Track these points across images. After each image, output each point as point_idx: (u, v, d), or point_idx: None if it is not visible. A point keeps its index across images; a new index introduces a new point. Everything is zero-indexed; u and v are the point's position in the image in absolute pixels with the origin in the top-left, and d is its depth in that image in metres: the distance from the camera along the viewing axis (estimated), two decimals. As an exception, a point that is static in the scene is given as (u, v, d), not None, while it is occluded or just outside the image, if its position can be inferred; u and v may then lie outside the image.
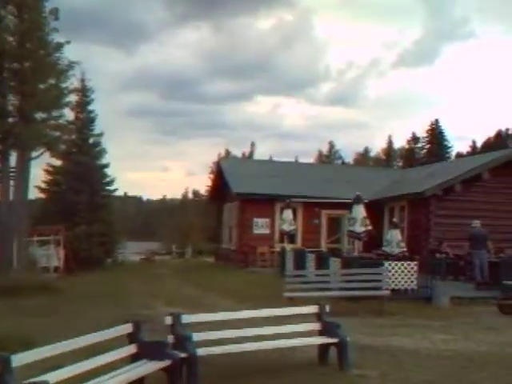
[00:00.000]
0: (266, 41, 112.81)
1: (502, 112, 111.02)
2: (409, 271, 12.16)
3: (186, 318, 5.81)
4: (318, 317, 6.59)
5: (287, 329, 6.67)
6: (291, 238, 19.14)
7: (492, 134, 78.26)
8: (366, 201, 18.55)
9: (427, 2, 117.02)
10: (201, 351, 5.59)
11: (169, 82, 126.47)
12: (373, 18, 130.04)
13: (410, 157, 78.28)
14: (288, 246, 17.65)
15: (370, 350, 7.46)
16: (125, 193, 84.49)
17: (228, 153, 67.60)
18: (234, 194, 21.60)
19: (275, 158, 56.09)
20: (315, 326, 6.58)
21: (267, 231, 21.12)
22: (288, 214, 18.25)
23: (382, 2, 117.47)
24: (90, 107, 27.75)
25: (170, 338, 5.48)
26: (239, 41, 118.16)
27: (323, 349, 6.46)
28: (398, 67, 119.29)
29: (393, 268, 12.07)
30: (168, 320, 5.62)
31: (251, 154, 76.03)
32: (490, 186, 18.39)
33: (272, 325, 6.71)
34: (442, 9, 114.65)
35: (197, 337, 5.69)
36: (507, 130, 73.26)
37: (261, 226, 21.09)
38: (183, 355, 5.30)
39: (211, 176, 39.60)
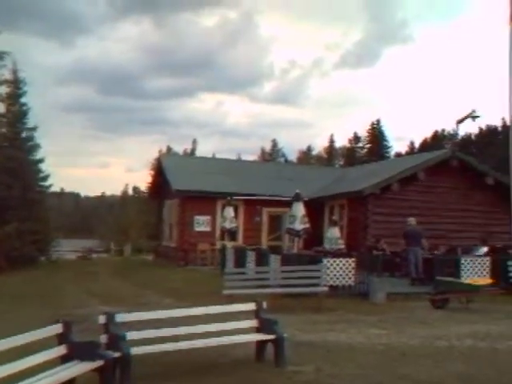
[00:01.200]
0: (210, 38, 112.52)
1: (439, 114, 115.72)
2: (346, 268, 12.46)
3: (121, 317, 5.71)
4: (256, 314, 6.63)
5: (224, 326, 6.65)
6: (232, 235, 19.19)
7: (429, 134, 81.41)
8: (306, 199, 18.92)
9: (369, 5, 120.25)
10: (135, 350, 5.51)
11: (108, 76, 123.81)
12: (316, 19, 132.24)
13: (351, 156, 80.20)
14: (229, 244, 17.67)
15: (307, 345, 7.59)
16: (61, 189, 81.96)
17: (169, 149, 66.87)
18: (174, 191, 21.40)
19: (218, 156, 56.09)
20: (252, 323, 6.62)
21: (208, 229, 21.05)
22: (229, 211, 18.28)
23: (326, 4, 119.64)
24: (23, 100, 26.66)
25: (103, 338, 5.37)
26: (182, 37, 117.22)
27: (260, 345, 6.52)
28: (340, 68, 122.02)
29: (331, 265, 12.33)
30: (101, 319, 5.50)
31: (193, 151, 75.55)
32: (425, 185, 19.08)
33: (209, 322, 6.70)
34: (383, 12, 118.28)
35: (131, 336, 5.60)
36: (443, 130, 76.34)
37: (202, 223, 21.00)
38: (116, 355, 5.20)
39: (151, 173, 38.98)
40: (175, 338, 6.15)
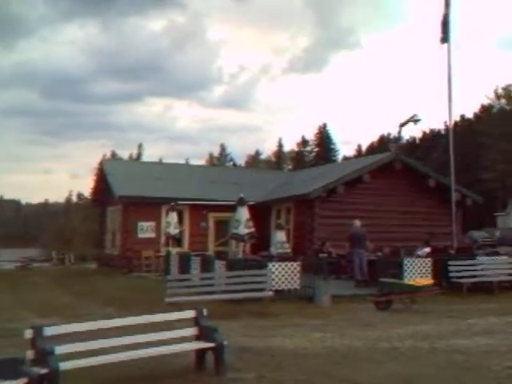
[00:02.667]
0: (157, 42, 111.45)
1: (385, 118, 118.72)
2: (292, 272, 12.48)
3: (51, 330, 5.43)
4: (196, 321, 6.49)
5: (163, 335, 6.47)
6: (177, 241, 18.93)
7: (375, 138, 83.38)
8: (252, 203, 18.92)
9: (316, 11, 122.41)
10: (64, 365, 5.23)
11: (52, 80, 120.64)
12: (264, 24, 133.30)
13: (299, 159, 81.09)
14: (174, 250, 17.40)
15: (250, 352, 7.50)
16: (0, 196, 78.85)
17: (114, 155, 65.61)
18: (117, 197, 20.92)
19: (166, 161, 55.42)
20: (192, 331, 6.47)
21: (153, 235, 20.69)
22: (173, 216, 18.02)
23: (274, 9, 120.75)
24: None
25: (30, 354, 5.08)
26: (129, 41, 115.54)
27: (200, 354, 6.37)
28: (288, 73, 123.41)
29: (276, 269, 12.32)
30: (28, 333, 5.21)
31: (139, 155, 74.44)
32: (370, 188, 19.45)
33: (149, 332, 6.49)
34: (330, 19, 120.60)
35: (60, 350, 5.33)
36: (389, 134, 78.29)
37: (146, 229, 20.61)
38: (43, 371, 4.93)
39: (94, 179, 38.03)
40: (110, 350, 5.91)
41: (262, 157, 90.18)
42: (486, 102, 70.79)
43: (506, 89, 67.19)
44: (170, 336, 6.43)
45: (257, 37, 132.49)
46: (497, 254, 16.91)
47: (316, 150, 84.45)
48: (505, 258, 15.52)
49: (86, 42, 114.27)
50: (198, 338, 6.40)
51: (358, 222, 15.12)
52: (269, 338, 8.55)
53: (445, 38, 17.03)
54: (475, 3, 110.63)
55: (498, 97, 67.80)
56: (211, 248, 20.99)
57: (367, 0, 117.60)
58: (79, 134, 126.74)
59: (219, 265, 13.26)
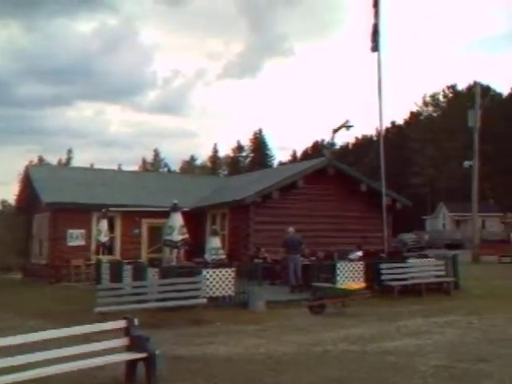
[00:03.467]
0: (88, 44, 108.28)
1: (319, 124, 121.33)
2: (226, 278, 12.49)
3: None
4: (126, 331, 6.36)
5: (92, 347, 6.30)
6: (109, 249, 18.49)
7: (310, 144, 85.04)
8: (187, 209, 18.79)
9: (250, 17, 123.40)
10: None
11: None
12: (198, 28, 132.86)
13: (234, 165, 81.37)
14: (105, 258, 16.98)
15: (184, 360, 7.45)
16: None
17: (41, 160, 63.27)
18: (44, 204, 20.18)
19: (97, 166, 54.00)
20: (122, 341, 6.34)
21: (83, 243, 20.10)
22: (104, 224, 17.60)
23: (208, 14, 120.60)
24: None
25: None
26: (56, 42, 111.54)
27: (131, 365, 6.25)
28: (223, 78, 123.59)
29: (211, 276, 12.29)
30: None
31: (68, 161, 72.27)
32: (304, 193, 19.78)
33: (77, 344, 6.30)
34: (264, 25, 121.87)
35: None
36: (323, 140, 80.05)
37: (75, 237, 19.99)
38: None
39: (19, 185, 36.44)
40: (35, 365, 5.68)
41: (197, 162, 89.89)
42: (415, 108, 73.95)
43: (433, 96, 70.47)
44: (100, 347, 6.27)
45: (191, 41, 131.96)
46: (425, 256, 17.62)
47: (251, 155, 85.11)
48: (432, 260, 16.21)
49: (8, 43, 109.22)
50: (128, 348, 6.28)
51: (291, 230, 15.32)
52: (203, 346, 8.52)
53: (375, 47, 17.68)
54: (407, 13, 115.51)
55: (425, 104, 70.96)
56: (144, 255, 20.64)
57: (301, 8, 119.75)
58: (3, 139, 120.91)
59: (152, 272, 13.06)
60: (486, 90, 58.58)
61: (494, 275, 20.83)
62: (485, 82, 60.78)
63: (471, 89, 45.01)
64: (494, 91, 66.64)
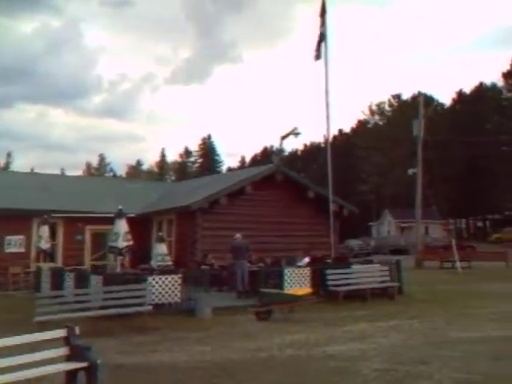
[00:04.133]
0: (29, 45, 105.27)
1: (268, 130, 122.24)
2: (173, 285, 12.37)
3: None
4: (67, 340, 6.21)
5: (31, 357, 6.09)
6: (50, 256, 17.95)
7: (259, 150, 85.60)
8: (133, 215, 18.53)
9: (198, 23, 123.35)
10: None
11: None
12: (146, 33, 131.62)
13: (182, 170, 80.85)
14: (46, 265, 16.47)
15: (127, 369, 7.34)
16: None
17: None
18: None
19: (38, 171, 52.42)
20: (62, 350, 6.18)
21: (22, 250, 19.43)
22: (44, 230, 17.10)
23: (156, 18, 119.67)
24: None
25: None
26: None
27: (71, 375, 6.10)
28: (171, 83, 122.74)
29: (156, 282, 12.15)
30: None
31: (7, 165, 69.86)
32: (252, 199, 19.86)
33: (14, 354, 6.08)
34: (212, 32, 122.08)
35: None
36: (272, 146, 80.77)
37: (14, 244, 19.30)
38: None
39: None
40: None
41: (144, 167, 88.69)
42: (362, 117, 75.79)
43: (379, 105, 72.44)
44: (38, 358, 6.08)
45: (138, 45, 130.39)
46: (370, 262, 18.03)
47: (200, 161, 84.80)
48: (377, 266, 16.61)
49: None
50: (69, 358, 6.13)
51: (239, 236, 15.35)
52: (147, 354, 8.42)
53: (317, 56, 18.06)
54: (355, 23, 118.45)
55: (372, 113, 72.85)
56: (87, 262, 20.17)
57: (250, 16, 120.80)
58: None
59: (96, 280, 12.78)
60: (430, 100, 60.71)
61: (436, 280, 21.56)
62: (428, 92, 63.12)
63: (415, 99, 46.46)
64: (437, 101, 69.19)
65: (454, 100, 69.52)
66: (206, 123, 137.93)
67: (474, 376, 6.60)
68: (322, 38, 18.00)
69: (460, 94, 68.91)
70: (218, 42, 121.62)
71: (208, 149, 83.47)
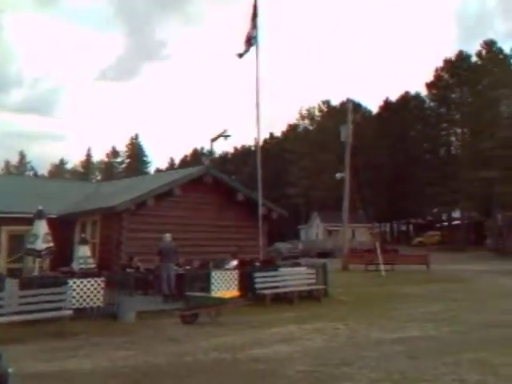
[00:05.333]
0: None
1: (199, 132, 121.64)
2: (95, 288, 12.00)
3: None
4: (-25, 348, 5.85)
5: None
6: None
7: (189, 151, 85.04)
8: (54, 216, 17.86)
9: (127, 20, 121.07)
10: None
11: None
12: (73, 27, 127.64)
13: (109, 170, 78.94)
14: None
15: (42, 377, 7.05)
16: None
17: None
18: None
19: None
20: (-29, 359, 5.82)
21: None
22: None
23: (83, 12, 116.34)
24: None
25: None
26: None
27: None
28: (98, 81, 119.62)
29: (78, 286, 11.75)
30: None
31: None
32: (181, 201, 19.65)
33: None
34: (142, 30, 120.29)
35: None
36: (202, 148, 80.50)
37: None
38: None
39: None
40: None
41: (68, 167, 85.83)
42: (292, 121, 77.04)
43: (309, 110, 73.92)
44: None
45: (65, 40, 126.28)
46: (297, 265, 18.31)
47: (127, 161, 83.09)
48: (304, 268, 16.90)
49: None
50: (-23, 366, 5.77)
51: (168, 236, 15.17)
52: (65, 361, 8.12)
53: (241, 55, 18.19)
54: (288, 28, 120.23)
55: (302, 117, 74.23)
56: (3, 265, 19.20)
57: (181, 15, 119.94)
58: None
59: (11, 283, 12.19)
60: (358, 107, 62.67)
61: (361, 283, 22.22)
62: (357, 99, 65.20)
63: (344, 105, 47.81)
64: (365, 108, 71.54)
65: (380, 107, 72.11)
66: (135, 123, 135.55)
67: (392, 375, 6.84)
68: (253, 41, 18.13)
69: (386, 101, 71.58)
70: (147, 40, 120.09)
71: (136, 149, 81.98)
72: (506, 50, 53.45)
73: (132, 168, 75.84)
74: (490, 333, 10.05)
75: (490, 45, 56.36)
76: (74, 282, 11.75)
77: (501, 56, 53.60)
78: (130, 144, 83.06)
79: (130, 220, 18.24)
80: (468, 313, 12.92)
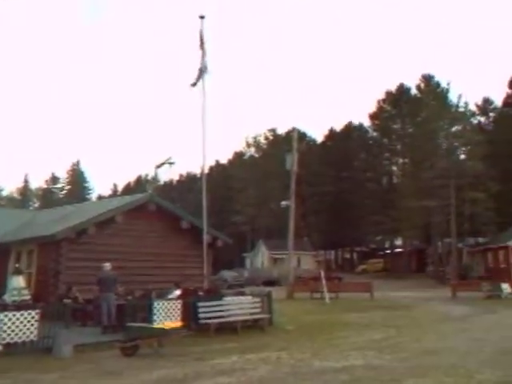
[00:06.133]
0: None
1: (143, 159, 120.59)
2: (28, 321, 11.48)
3: None
4: None
5: None
6: None
7: (133, 178, 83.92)
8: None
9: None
10: None
11: None
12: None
13: (48, 197, 76.73)
14: None
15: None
16: None
17: None
18: None
19: None
20: None
21: None
22: None
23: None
24: None
25: None
26: None
27: None
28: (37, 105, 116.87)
29: (9, 319, 11.20)
30: None
31: None
32: (123, 229, 19.23)
33: None
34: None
35: None
36: (146, 175, 79.59)
37: None
38: None
39: None
40: None
41: (3, 193, 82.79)
42: (238, 149, 77.52)
43: (255, 138, 74.66)
44: None
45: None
46: (242, 293, 18.22)
47: (68, 187, 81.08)
48: (249, 297, 16.82)
49: None
50: None
51: (108, 265, 14.82)
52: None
53: (194, 84, 18.33)
54: (235, 57, 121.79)
55: (248, 145, 74.83)
56: None
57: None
58: None
59: None
60: (303, 136, 63.84)
61: (305, 311, 22.28)
62: (302, 128, 66.45)
63: (290, 133, 48.59)
64: (310, 137, 72.97)
65: (325, 137, 73.76)
66: (76, 149, 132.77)
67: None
68: (203, 69, 18.29)
69: (331, 131, 73.34)
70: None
71: (77, 175, 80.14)
72: (443, 84, 55.93)
73: (73, 195, 73.98)
74: (429, 360, 10.27)
75: (427, 79, 58.91)
76: (6, 316, 11.20)
77: (438, 89, 56.05)
78: (70, 170, 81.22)
79: (70, 248, 17.68)
80: (409, 340, 13.18)
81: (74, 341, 11.57)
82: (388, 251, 65.03)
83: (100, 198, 73.49)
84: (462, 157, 48.34)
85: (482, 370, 9.02)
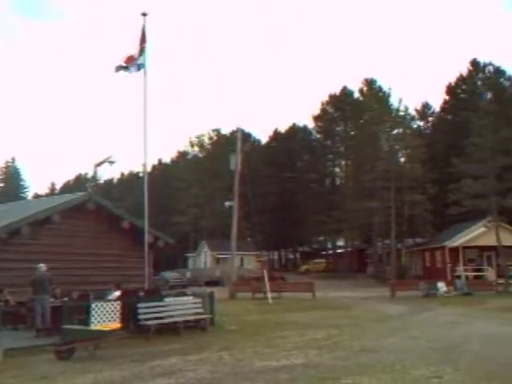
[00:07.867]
0: None
1: (83, 157, 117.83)
2: (-45, 326, 10.98)
3: None
4: None
5: None
6: None
7: (72, 177, 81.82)
8: None
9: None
10: None
11: None
12: None
13: (-19, 195, 73.57)
14: None
15: None
16: None
17: None
18: None
19: None
20: None
21: None
22: None
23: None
24: None
25: None
26: None
27: None
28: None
29: None
30: None
31: None
32: (60, 229, 18.67)
33: None
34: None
35: None
36: (86, 174, 77.80)
37: None
38: None
39: None
40: None
41: None
42: (182, 148, 76.89)
43: (198, 138, 74.23)
44: None
45: None
46: (184, 294, 18.06)
47: (1, 185, 78.06)
48: (191, 298, 16.69)
49: None
50: None
51: (43, 266, 14.35)
52: None
53: (118, 69, 17.62)
54: (178, 55, 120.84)
55: (192, 144, 74.32)
56: None
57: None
58: None
59: None
60: (248, 136, 64.05)
61: (247, 311, 22.37)
62: (247, 129, 66.70)
63: (234, 133, 48.63)
64: (255, 138, 73.31)
65: (270, 137, 74.28)
66: (11, 146, 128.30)
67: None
68: (141, 67, 17.96)
69: (275, 132, 73.92)
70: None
71: (11, 173, 77.29)
72: (385, 88, 57.51)
73: (7, 193, 71.29)
74: (368, 358, 10.50)
75: (370, 83, 60.39)
76: None
77: (380, 93, 57.55)
78: (4, 167, 78.27)
79: (2, 249, 16.99)
80: (348, 339, 13.44)
81: (4, 345, 11.13)
82: (330, 251, 66.22)
83: (36, 196, 71.18)
84: (402, 160, 49.81)
85: (417, 366, 9.32)
